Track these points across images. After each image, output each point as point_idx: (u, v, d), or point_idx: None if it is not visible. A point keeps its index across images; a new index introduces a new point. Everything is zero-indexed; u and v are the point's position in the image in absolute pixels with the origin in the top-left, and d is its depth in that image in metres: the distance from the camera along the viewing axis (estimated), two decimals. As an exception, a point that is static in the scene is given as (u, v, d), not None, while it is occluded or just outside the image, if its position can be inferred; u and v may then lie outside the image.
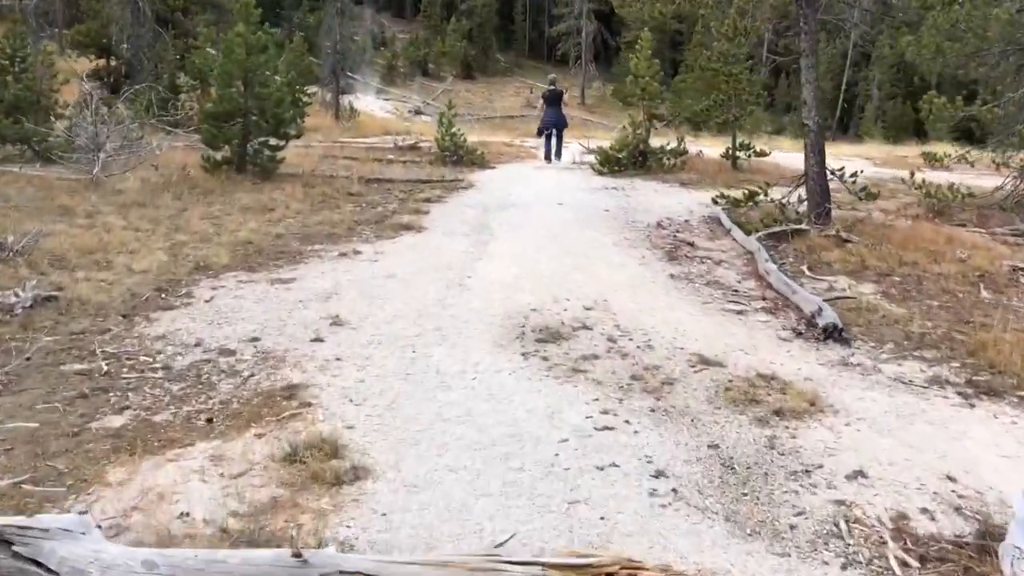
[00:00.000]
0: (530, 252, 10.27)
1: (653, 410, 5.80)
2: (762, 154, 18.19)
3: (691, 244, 10.97)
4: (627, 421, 5.60)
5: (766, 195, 11.95)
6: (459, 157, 19.26)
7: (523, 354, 6.80)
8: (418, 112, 52.44)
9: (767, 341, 7.39)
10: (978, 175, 17.99)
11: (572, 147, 22.00)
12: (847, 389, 6.33)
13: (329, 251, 10.11)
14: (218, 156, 14.98)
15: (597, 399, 5.94)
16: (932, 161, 14.62)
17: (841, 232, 10.95)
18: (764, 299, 8.70)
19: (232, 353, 6.70)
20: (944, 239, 11.09)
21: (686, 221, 12.63)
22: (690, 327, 7.64)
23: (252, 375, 6.27)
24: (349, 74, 54.40)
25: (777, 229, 11.15)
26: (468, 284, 8.84)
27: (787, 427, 5.59)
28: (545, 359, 6.70)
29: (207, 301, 8.05)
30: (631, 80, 17.90)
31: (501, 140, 29.60)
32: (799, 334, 7.60)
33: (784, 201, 11.86)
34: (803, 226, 11.13)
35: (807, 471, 5.00)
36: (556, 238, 11.11)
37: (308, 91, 33.53)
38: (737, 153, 18.28)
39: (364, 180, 15.19)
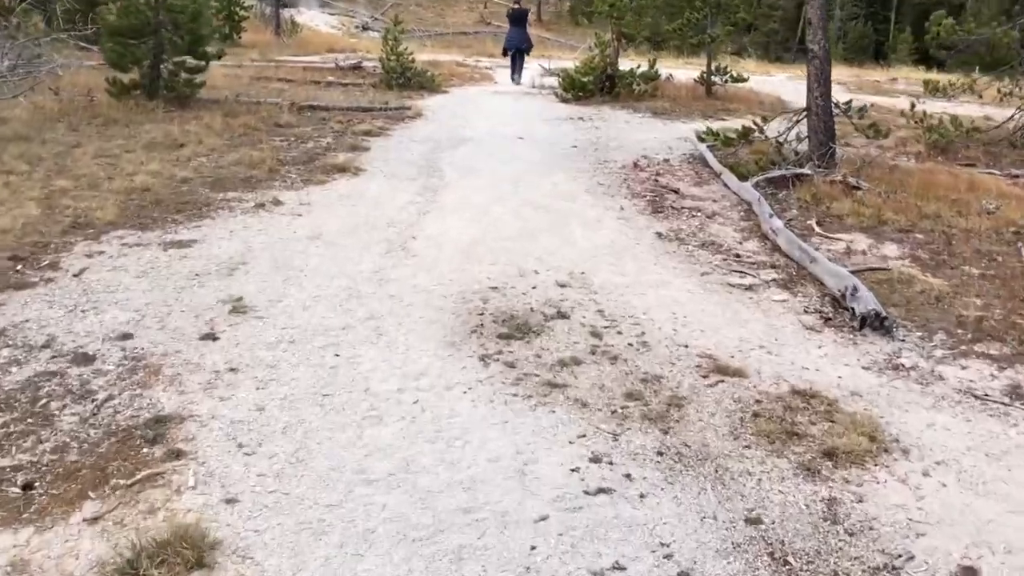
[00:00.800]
0: (488, 204, 8.50)
1: (661, 453, 4.18)
2: (739, 80, 16.42)
3: (676, 191, 9.28)
4: (628, 476, 3.98)
5: (762, 132, 10.24)
6: (407, 80, 17.20)
7: (482, 358, 5.12)
8: (365, 28, 49.45)
9: (791, 332, 5.78)
10: (976, 106, 16.43)
11: (531, 68, 19.99)
12: (909, 410, 4.76)
13: (243, 201, 8.24)
14: (125, 80, 12.82)
15: (584, 435, 4.31)
16: (934, 90, 12.89)
17: (848, 177, 9.32)
18: (774, 267, 7.08)
19: (90, 360, 4.91)
20: (965, 185, 9.54)
21: (666, 160, 10.90)
22: (692, 312, 6.00)
23: (110, 398, 4.51)
24: (292, -13, 51.09)
25: (776, 174, 9.49)
26: (413, 249, 7.08)
27: (847, 481, 4.02)
28: (511, 365, 5.03)
29: (75, 275, 6.20)
30: (599, 1, 15.90)
31: (454, 60, 27.31)
32: (827, 319, 6.01)
33: (781, 139, 10.17)
34: (805, 170, 9.48)
35: (894, 568, 3.44)
36: (518, 184, 9.34)
37: (244, 4, 31.00)
38: (713, 78, 16.47)
39: (297, 108, 13.17)
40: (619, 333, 5.55)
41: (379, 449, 4.09)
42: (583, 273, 6.59)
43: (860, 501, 3.86)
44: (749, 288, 6.58)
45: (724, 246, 7.62)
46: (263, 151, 10.02)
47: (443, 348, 5.23)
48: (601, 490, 3.83)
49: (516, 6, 19.39)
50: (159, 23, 12.69)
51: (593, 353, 5.24)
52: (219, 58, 13.70)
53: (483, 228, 7.66)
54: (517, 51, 18.83)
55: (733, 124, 13.25)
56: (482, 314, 5.73)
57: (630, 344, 5.39)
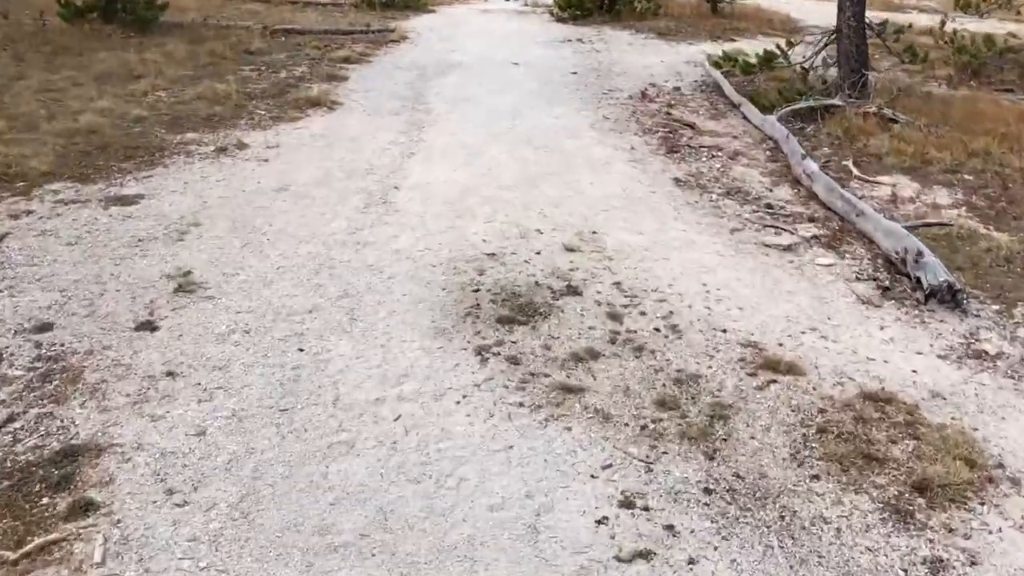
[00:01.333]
0: (482, 143, 7.44)
1: (709, 491, 3.27)
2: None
3: (691, 126, 8.21)
4: (671, 528, 3.06)
5: (786, 58, 9.11)
6: (392, 3, 15.86)
7: (479, 351, 4.16)
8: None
9: (845, 308, 4.82)
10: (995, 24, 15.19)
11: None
12: (1006, 417, 3.84)
13: (203, 144, 7.16)
14: (79, 1, 11.53)
15: (609, 464, 3.38)
16: (965, 6, 11.66)
17: (884, 108, 8.25)
18: (812, 221, 6.08)
19: (-6, 362, 3.95)
20: (1015, 116, 8.47)
21: (677, 89, 9.79)
22: (725, 282, 5.03)
23: (10, 419, 3.55)
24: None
25: (802, 105, 8.39)
26: (395, 202, 6.06)
27: (950, 529, 3.11)
28: (514, 362, 4.08)
29: (-6, 244, 5.19)
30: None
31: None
32: (885, 289, 5.05)
33: (807, 65, 9.04)
34: (835, 100, 8.39)
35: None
36: (515, 118, 8.27)
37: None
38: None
39: (269, 32, 11.93)
40: (642, 314, 4.58)
41: (349, 494, 3.16)
42: (594, 233, 5.59)
43: (973, 563, 2.95)
44: (788, 249, 5.59)
45: (752, 194, 6.60)
46: (229, 84, 8.85)
47: (431, 338, 4.27)
48: (639, 555, 2.92)
49: None
50: (114, -64, 11.36)
51: (613, 342, 4.28)
52: (181, -23, 12.33)
53: (476, 173, 6.63)
54: None
55: (744, 46, 12.11)
56: (477, 290, 4.75)
57: (656, 329, 4.43)
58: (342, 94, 8.93)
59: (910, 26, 10.90)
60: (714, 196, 6.51)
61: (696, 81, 10.19)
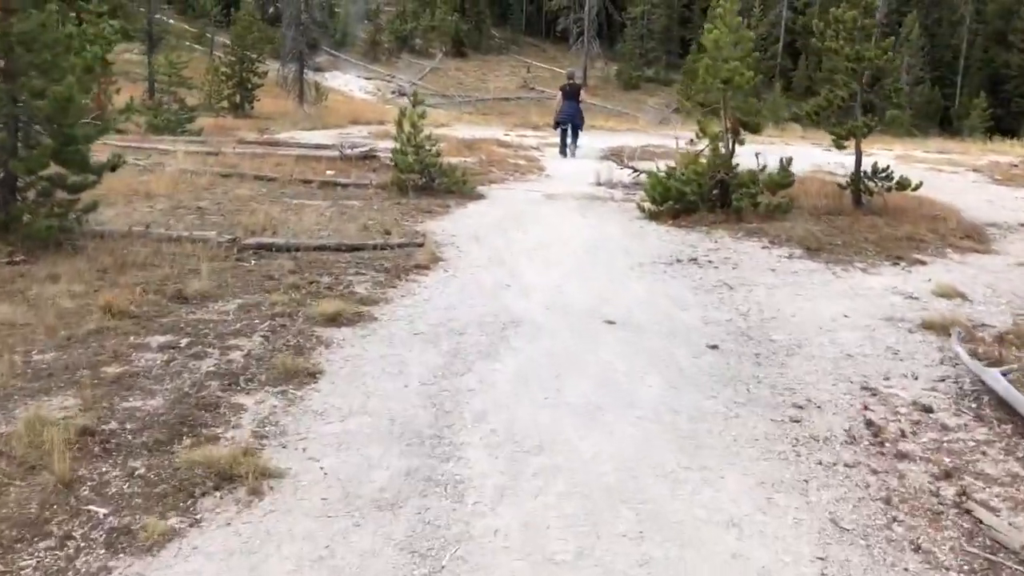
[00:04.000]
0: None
1: None
2: (905, 185, 10.68)
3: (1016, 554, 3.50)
4: None
5: None
6: (429, 181, 11.72)
7: None
8: (402, 94, 44.37)
9: None
10: None
11: (603, 166, 14.47)
12: None
13: None
14: (-45, 205, 7.42)
15: None
16: None
17: None
18: None
19: None
20: None
21: (921, 408, 5.10)
22: None
23: None
24: (327, 49, 46.51)
25: None
26: None
27: None
28: None
29: None
30: (706, 66, 10.21)
31: (494, 136, 21.96)
32: None
33: None
34: None
35: None
36: (639, 512, 3.65)
37: (258, 69, 26.01)
38: (867, 183, 10.76)
39: (236, 249, 7.68)
40: None
41: None
42: None
43: None
44: None
45: None
46: (77, 416, 4.40)
47: None
48: None
49: (571, 81, 18.19)
50: (10, 118, 7.29)
51: None
52: (113, 169, 8.14)
53: None
54: (571, 125, 17.42)
55: (943, 274, 7.64)
56: None
57: None
58: (296, 429, 4.41)
59: None
60: None
61: (940, 379, 5.52)
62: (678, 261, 8.22)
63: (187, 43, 42.21)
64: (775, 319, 6.58)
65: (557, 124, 17.84)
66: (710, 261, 8.25)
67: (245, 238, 7.97)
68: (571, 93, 17.41)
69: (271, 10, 44.56)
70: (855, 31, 10.82)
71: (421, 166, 11.74)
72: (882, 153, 18.21)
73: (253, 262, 7.43)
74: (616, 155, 18.01)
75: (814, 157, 19.62)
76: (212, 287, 6.58)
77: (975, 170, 18.91)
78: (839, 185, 11.21)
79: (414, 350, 5.60)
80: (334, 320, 5.98)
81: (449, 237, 8.83)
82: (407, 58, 50.01)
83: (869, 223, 10.09)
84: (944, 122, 50.72)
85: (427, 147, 11.86)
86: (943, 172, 18.48)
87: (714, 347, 5.92)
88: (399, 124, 11.90)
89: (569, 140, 17.48)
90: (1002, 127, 42.44)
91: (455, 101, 44.78)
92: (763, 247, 8.87)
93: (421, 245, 8.16)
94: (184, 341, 5.48)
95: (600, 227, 9.79)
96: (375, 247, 8.06)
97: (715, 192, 10.23)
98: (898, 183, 10.74)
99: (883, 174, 10.82)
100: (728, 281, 7.56)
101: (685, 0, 55.91)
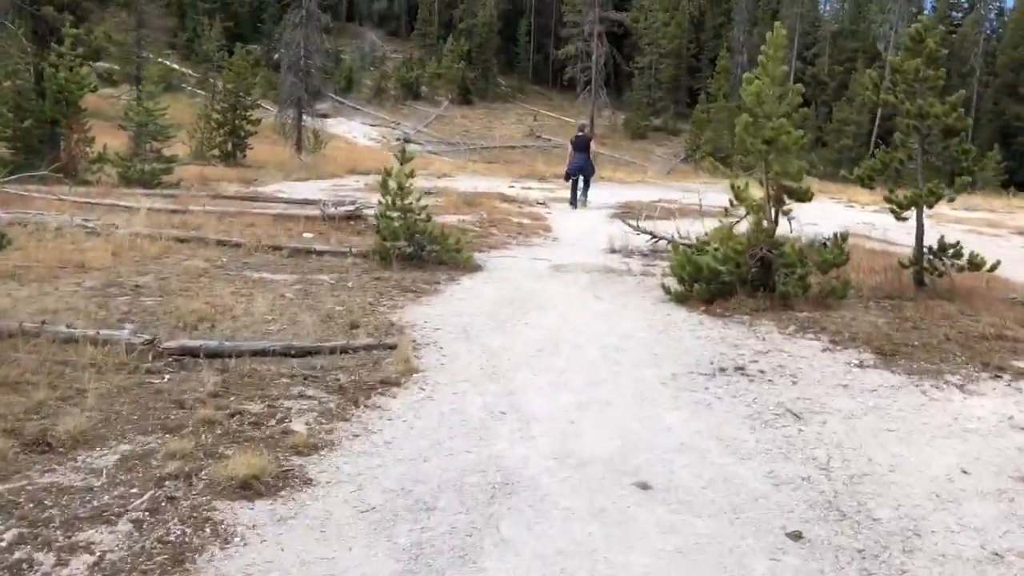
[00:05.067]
0: None
1: None
2: (976, 264, 8.79)
3: None
4: None
5: None
6: (417, 251, 9.89)
7: None
8: (407, 140, 42.98)
9: None
10: None
11: (617, 229, 12.67)
12: None
13: None
14: None
15: None
16: None
17: None
18: None
19: None
20: None
21: None
22: None
23: None
24: (332, 95, 45.13)
25: None
26: None
27: None
28: None
29: None
30: (744, 123, 8.31)
31: (498, 188, 20.23)
32: None
33: None
34: None
35: None
36: None
37: (251, 116, 24.38)
38: (932, 261, 8.87)
39: (154, 353, 5.79)
40: None
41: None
42: None
43: None
44: None
45: None
46: None
47: None
48: None
49: (581, 133, 18.00)
50: None
51: None
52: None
53: None
54: (583, 176, 17.29)
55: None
56: None
57: None
58: None
59: None
60: None
61: None
62: (721, 371, 6.30)
63: (189, 88, 40.88)
64: (868, 477, 4.64)
65: (568, 176, 17.58)
66: (761, 371, 6.32)
67: (168, 338, 6.08)
68: (581, 145, 17.31)
69: (276, 56, 43.29)
70: (916, 83, 9.00)
71: (408, 232, 9.92)
72: (908, 213, 16.42)
73: (167, 377, 5.53)
74: (629, 212, 16.28)
75: (836, 215, 17.84)
76: (94, 424, 4.68)
77: (1020, 233, 17.06)
78: (900, 264, 9.32)
79: (354, 548, 3.67)
80: (248, 487, 4.06)
81: (432, 332, 6.94)
82: (413, 105, 48.67)
83: (941, 312, 8.19)
84: (953, 176, 49.00)
85: (416, 210, 10.05)
86: (983, 234, 16.67)
87: (797, 536, 3.98)
88: (383, 183, 10.09)
89: (580, 191, 17.26)
90: (1016, 180, 40.73)
91: (460, 149, 43.28)
92: (823, 348, 6.95)
93: (393, 347, 6.25)
94: (9, 534, 3.56)
95: (619, 315, 7.90)
96: (333, 350, 6.15)
97: (755, 271, 8.34)
98: (971, 262, 8.85)
99: (952, 251, 8.94)
100: (791, 406, 5.62)
101: (693, 50, 54.71)
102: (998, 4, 59.79)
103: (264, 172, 22.20)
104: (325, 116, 43.59)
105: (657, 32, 50.66)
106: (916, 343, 7.12)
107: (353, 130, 42.35)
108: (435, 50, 52.11)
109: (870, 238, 14.52)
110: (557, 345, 6.75)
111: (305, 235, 11.59)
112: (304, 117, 27.63)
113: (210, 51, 37.02)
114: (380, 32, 59.31)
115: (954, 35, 53.05)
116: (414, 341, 6.55)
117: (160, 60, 37.42)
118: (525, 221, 14.88)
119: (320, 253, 10.32)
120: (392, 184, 9.98)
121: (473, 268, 9.96)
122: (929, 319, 7.91)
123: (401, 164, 10.11)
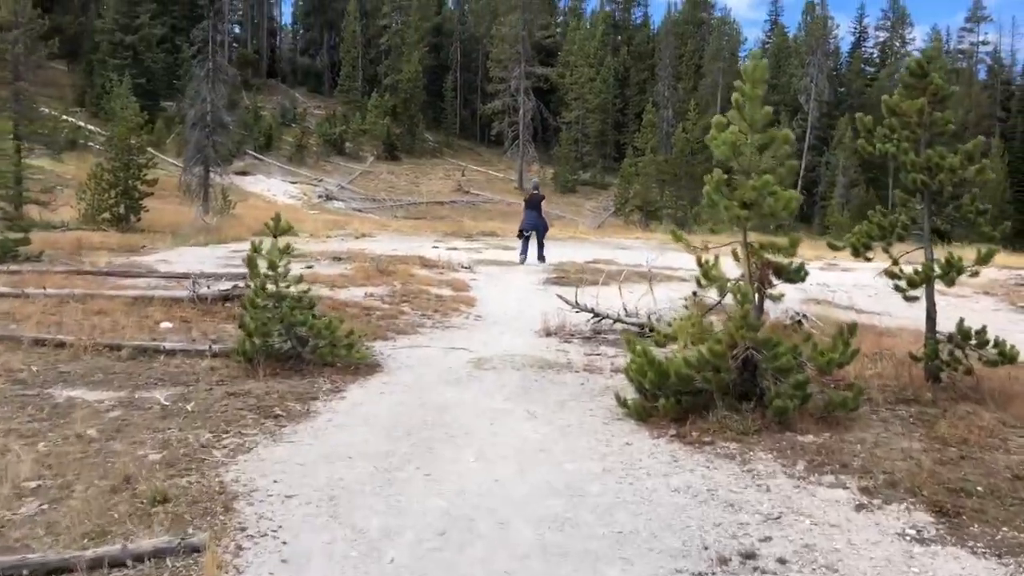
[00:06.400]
0: None
1: None
2: (1008, 356, 6.72)
3: None
4: None
5: None
6: (296, 347, 7.40)
7: None
8: (329, 198, 40.37)
9: None
10: None
11: (547, 298, 10.32)
12: None
13: None
14: None
15: None
16: None
17: None
18: None
19: None
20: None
21: None
22: None
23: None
24: (251, 152, 42.38)
25: None
26: None
27: None
28: None
29: None
30: (716, 181, 6.05)
31: (419, 251, 17.77)
32: None
33: None
34: None
35: None
36: None
37: (146, 176, 21.57)
38: (954, 353, 6.77)
39: None
40: None
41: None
42: None
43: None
44: None
45: None
46: None
47: None
48: None
49: (536, 191, 17.79)
50: None
51: None
52: None
53: None
54: (536, 233, 17.00)
55: None
56: None
57: None
58: None
59: None
60: None
61: None
62: (722, 565, 3.94)
63: (97, 147, 37.66)
64: None
65: (521, 233, 17.61)
66: (782, 561, 3.99)
67: None
68: (534, 203, 17.20)
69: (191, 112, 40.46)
70: (921, 129, 6.99)
71: (286, 323, 7.43)
72: (858, 267, 14.58)
73: None
74: (564, 277, 14.07)
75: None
76: None
77: (986, 292, 15.31)
78: (912, 356, 7.17)
79: None
80: None
81: (278, 506, 4.43)
82: (337, 161, 46.17)
83: (979, 426, 6.02)
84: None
85: (296, 296, 7.58)
86: (946, 294, 14.90)
87: None
88: (250, 261, 7.60)
89: (532, 248, 17.03)
90: (939, 231, 40.15)
91: (386, 205, 40.86)
92: (856, 505, 4.66)
93: (199, 551, 3.72)
94: None
95: (561, 448, 5.51)
96: (97, 564, 3.60)
97: (740, 378, 6.07)
98: (1001, 353, 6.76)
99: (978, 339, 6.84)
100: (853, 650, 3.27)
101: (619, 105, 53.66)
102: (907, 58, 60.58)
103: (157, 237, 19.42)
104: (244, 173, 40.76)
105: (583, 87, 49.42)
106: (980, 488, 4.90)
107: (273, 188, 39.59)
108: (360, 106, 49.89)
109: (833, 304, 12.53)
110: (471, 524, 4.31)
111: (163, 325, 8.99)
112: (212, 175, 24.90)
113: (116, 108, 33.98)
114: (303, 89, 56.93)
115: (870, 87, 53.14)
116: (242, 530, 4.04)
117: (65, 118, 34.31)
118: (445, 293, 12.49)
119: (171, 353, 7.75)
120: (262, 264, 7.51)
121: (369, 369, 7.52)
122: (973, 439, 5.72)
123: (275, 236, 7.66)
